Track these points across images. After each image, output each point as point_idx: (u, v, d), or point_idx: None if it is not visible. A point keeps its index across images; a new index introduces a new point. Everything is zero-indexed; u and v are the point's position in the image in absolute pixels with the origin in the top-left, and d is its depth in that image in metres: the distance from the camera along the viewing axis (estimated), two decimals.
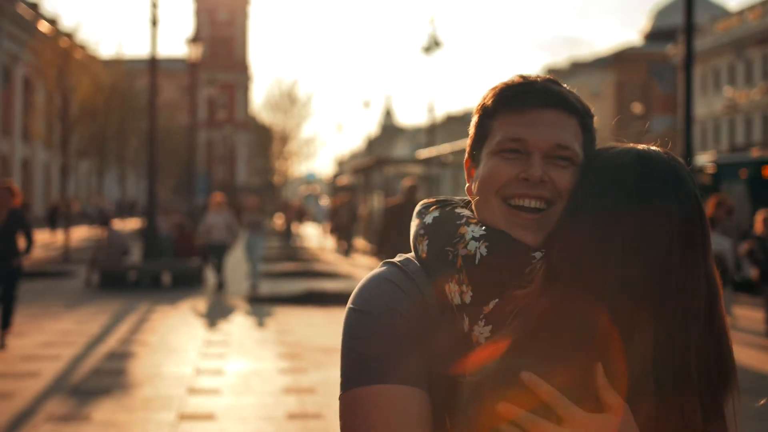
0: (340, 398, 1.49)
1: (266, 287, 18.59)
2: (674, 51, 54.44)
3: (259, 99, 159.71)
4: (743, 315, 14.35)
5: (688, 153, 17.03)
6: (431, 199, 1.67)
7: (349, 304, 1.54)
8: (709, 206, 12.87)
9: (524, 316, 1.38)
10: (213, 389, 8.85)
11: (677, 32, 59.28)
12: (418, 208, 1.66)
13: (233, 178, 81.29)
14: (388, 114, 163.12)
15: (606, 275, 1.37)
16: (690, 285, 1.38)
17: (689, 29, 17.26)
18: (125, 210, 51.69)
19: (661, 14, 76.76)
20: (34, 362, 10.07)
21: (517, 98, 1.57)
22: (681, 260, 1.38)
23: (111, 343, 11.52)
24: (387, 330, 1.47)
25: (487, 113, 1.60)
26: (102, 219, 20.60)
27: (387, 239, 13.26)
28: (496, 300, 1.43)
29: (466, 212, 1.57)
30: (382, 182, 30.16)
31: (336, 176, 62.54)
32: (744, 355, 10.87)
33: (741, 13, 52.18)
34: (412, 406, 1.43)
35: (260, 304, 15.91)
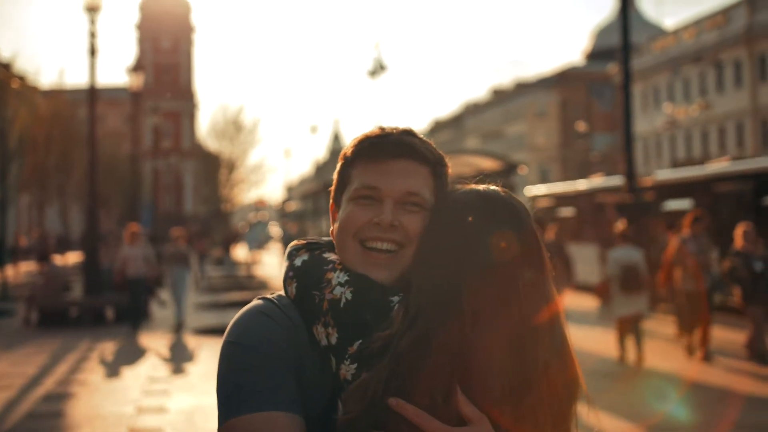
0: (218, 431, 1.57)
1: (213, 318, 18.21)
2: (615, 70, 55.31)
3: (205, 126, 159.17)
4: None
5: (630, 169, 17.19)
6: (301, 241, 1.78)
7: (224, 338, 1.63)
8: (686, 221, 12.68)
9: (391, 354, 1.51)
10: (155, 428, 8.54)
11: (616, 52, 60.43)
12: (288, 249, 1.77)
13: (181, 207, 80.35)
14: (336, 138, 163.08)
15: (460, 305, 1.51)
16: (535, 308, 1.55)
17: (626, 48, 17.49)
18: (64, 244, 50.60)
19: (602, 34, 78.19)
20: None
21: (373, 149, 1.71)
22: (525, 287, 1.55)
23: (48, 384, 11.12)
24: (261, 359, 1.56)
25: (347, 162, 1.75)
26: (41, 254, 20.04)
27: None
28: (360, 341, 1.55)
29: (332, 257, 1.69)
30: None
31: (284, 202, 62.27)
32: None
33: (676, 32, 53.35)
34: (287, 430, 1.52)
35: (206, 337, 15.55)
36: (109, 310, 18.44)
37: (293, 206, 48.13)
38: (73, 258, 42.80)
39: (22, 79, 34.97)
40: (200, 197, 75.21)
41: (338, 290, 1.60)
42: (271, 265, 41.13)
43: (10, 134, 29.82)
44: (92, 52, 20.80)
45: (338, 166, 1.78)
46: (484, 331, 1.51)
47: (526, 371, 1.52)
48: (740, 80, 47.61)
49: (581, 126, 60.60)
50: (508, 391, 1.50)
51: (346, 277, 1.62)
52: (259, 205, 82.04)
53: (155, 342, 14.98)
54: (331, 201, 1.82)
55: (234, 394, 1.54)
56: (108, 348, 14.33)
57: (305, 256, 1.70)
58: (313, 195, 35.21)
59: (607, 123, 64.42)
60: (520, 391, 1.51)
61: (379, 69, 39.20)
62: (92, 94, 20.80)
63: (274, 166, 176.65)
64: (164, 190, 78.41)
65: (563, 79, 72.61)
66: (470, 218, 1.59)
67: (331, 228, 1.77)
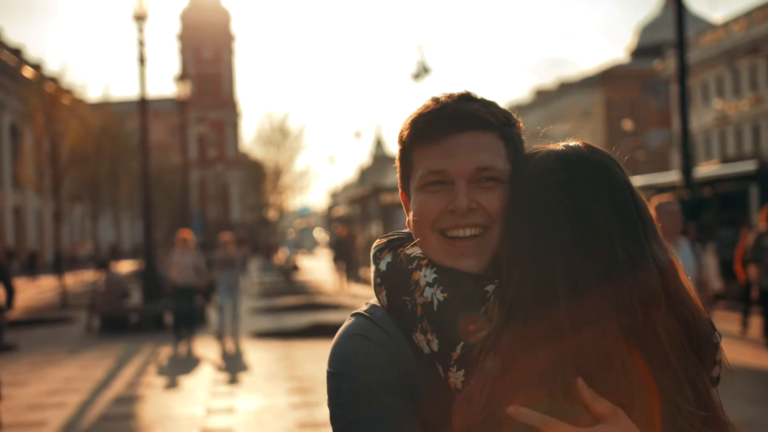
0: None
1: (270, 322, 18.30)
2: (662, 66, 54.67)
3: (249, 135, 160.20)
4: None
5: (687, 165, 16.93)
6: (382, 240, 1.63)
7: (327, 368, 1.53)
8: (763, 214, 12.09)
9: (494, 353, 1.37)
10: (226, 428, 8.57)
11: (663, 47, 59.65)
12: (372, 251, 1.62)
13: (227, 215, 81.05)
14: (379, 144, 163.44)
15: (556, 288, 1.36)
16: (639, 271, 1.38)
17: (681, 42, 17.21)
18: (117, 253, 51.28)
19: (647, 31, 77.32)
20: (39, 411, 9.78)
21: (430, 127, 1.54)
22: (624, 250, 1.38)
23: (117, 387, 11.23)
24: (365, 388, 1.45)
25: (405, 147, 1.59)
26: (99, 262, 20.30)
27: None
28: (462, 343, 1.41)
29: (417, 252, 1.54)
30: (378, 211, 29.97)
31: (331, 208, 62.49)
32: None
33: (726, 25, 52.48)
34: None
35: (266, 340, 15.62)
36: (168, 315, 18.61)
37: (341, 211, 48.19)
38: (126, 267, 43.37)
39: (70, 92, 35.49)
40: (247, 205, 75.77)
41: (428, 292, 1.46)
42: (320, 270, 41.28)
43: (61, 148, 30.26)
44: (141, 61, 21.06)
45: (397, 151, 1.62)
46: (591, 311, 1.34)
47: (648, 342, 1.35)
48: None
49: (628, 124, 59.97)
50: (634, 378, 1.33)
51: (433, 275, 1.47)
52: (303, 217, 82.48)
53: (213, 347, 15.05)
54: (399, 190, 1.65)
55: (346, 429, 1.46)
56: (170, 352, 14.44)
57: (389, 258, 1.55)
58: (361, 199, 35.22)
59: (657, 120, 63.71)
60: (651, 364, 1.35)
61: (422, 72, 39.15)
62: (143, 103, 21.08)
63: (319, 172, 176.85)
64: (211, 199, 79.12)
65: (608, 78, 71.93)
66: (552, 189, 1.43)
67: (407, 219, 1.60)
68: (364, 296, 25.30)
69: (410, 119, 1.58)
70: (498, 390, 1.34)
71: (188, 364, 13.20)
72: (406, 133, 1.58)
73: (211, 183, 76.77)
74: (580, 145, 1.49)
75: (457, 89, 1.60)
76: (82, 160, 34.26)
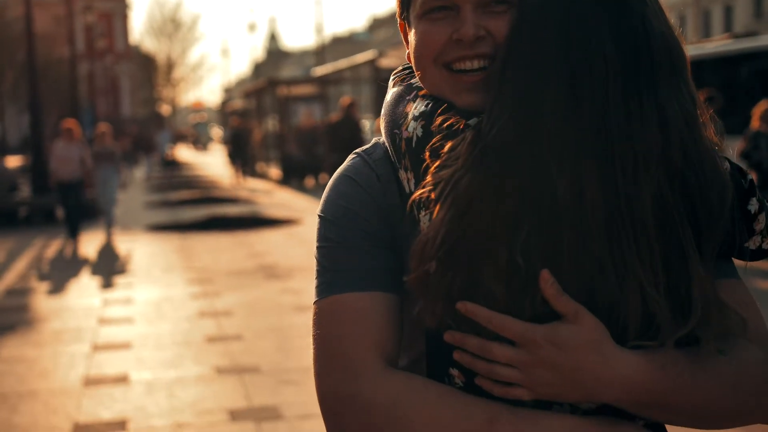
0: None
1: (167, 215, 18.10)
2: None
3: (140, 26, 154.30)
4: None
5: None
6: (400, 68, 1.49)
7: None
8: (757, 111, 10.61)
9: (452, 198, 1.21)
10: (125, 318, 8.55)
11: None
12: (390, 79, 1.48)
13: (118, 109, 78.63)
14: (273, 37, 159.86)
15: (541, 132, 1.19)
16: (636, 129, 1.18)
17: None
18: (3, 147, 49.26)
19: None
20: None
21: None
22: (622, 104, 1.18)
23: (9, 279, 11.01)
24: (339, 233, 1.36)
25: None
26: None
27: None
28: (426, 183, 1.26)
29: (419, 82, 1.40)
30: (275, 105, 29.59)
31: (225, 102, 61.31)
32: None
33: None
34: (371, 312, 1.32)
35: (163, 233, 15.47)
36: (59, 209, 18.13)
37: (236, 105, 47.36)
38: (14, 161, 41.82)
39: None
40: (139, 100, 73.64)
41: (412, 126, 1.32)
42: (216, 165, 40.76)
43: None
44: None
45: None
46: (577, 169, 1.17)
47: (626, 211, 1.18)
48: None
49: None
50: (606, 239, 1.17)
51: (422, 108, 1.33)
52: (196, 107, 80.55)
53: (111, 238, 14.82)
54: (398, 20, 1.47)
55: (320, 274, 1.38)
56: (62, 246, 14.17)
57: (396, 87, 1.43)
58: (256, 93, 34.65)
59: None
60: (624, 238, 1.18)
61: None
62: None
63: (214, 64, 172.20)
64: (101, 94, 76.35)
65: None
66: (551, 17, 1.23)
67: (407, 52, 1.44)
68: (261, 191, 25.23)
69: None
70: (450, 240, 1.20)
71: (82, 257, 12.99)
72: None
73: (101, 76, 74.00)
74: None
75: None
76: None
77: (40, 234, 15.84)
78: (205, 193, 24.24)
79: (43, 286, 10.51)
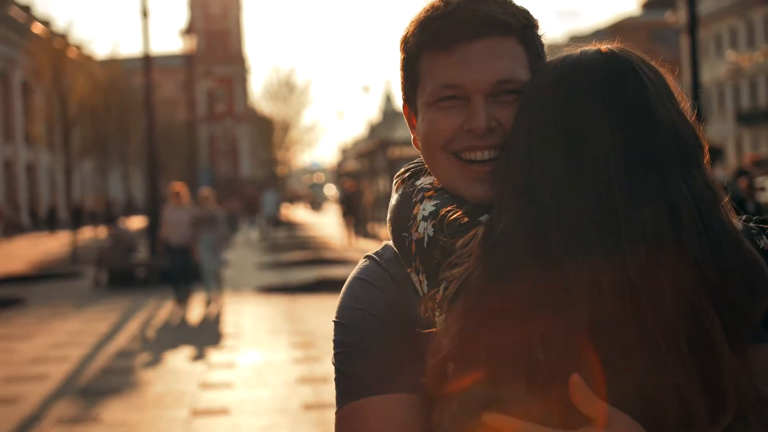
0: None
1: (277, 277, 18.35)
2: (674, 18, 53.89)
3: (258, 90, 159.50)
4: None
5: (698, 118, 16.68)
6: (402, 170, 1.46)
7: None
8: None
9: (464, 296, 1.17)
10: (226, 383, 8.62)
11: None
12: (394, 182, 1.46)
13: (237, 171, 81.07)
14: (388, 99, 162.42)
15: (545, 224, 1.14)
16: (644, 216, 1.11)
17: None
18: (129, 209, 51.50)
19: None
20: (42, 364, 9.85)
21: (441, 34, 1.32)
22: (627, 191, 1.12)
23: (120, 341, 11.31)
24: (358, 338, 1.33)
25: (411, 55, 1.38)
26: (108, 218, 20.35)
27: None
28: (444, 284, 1.23)
29: (426, 182, 1.37)
30: (386, 165, 29.85)
31: (340, 163, 62.39)
32: None
33: None
34: (392, 417, 1.29)
35: (271, 295, 15.67)
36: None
37: (350, 166, 48.08)
38: (137, 222, 43.52)
39: (78, 48, 35.34)
40: (257, 161, 75.72)
41: (422, 227, 1.29)
42: (329, 225, 41.32)
43: (69, 102, 30.24)
44: (144, 13, 20.92)
45: (400, 58, 1.41)
46: (587, 261, 1.11)
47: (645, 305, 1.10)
48: None
49: None
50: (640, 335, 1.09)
51: (432, 208, 1.30)
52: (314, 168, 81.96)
53: (221, 300, 15.09)
54: (402, 102, 1.45)
55: (340, 381, 1.35)
56: (173, 308, 14.50)
57: (400, 191, 1.39)
58: (369, 154, 35.07)
59: (671, 71, 63.03)
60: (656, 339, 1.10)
61: None
62: (146, 55, 20.96)
63: (327, 127, 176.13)
64: (221, 155, 79.16)
65: (619, 30, 71.03)
66: (551, 105, 1.20)
67: (412, 137, 1.43)
68: (371, 251, 25.14)
69: (416, 23, 1.37)
70: (466, 340, 1.16)
71: (190, 320, 13.25)
72: (412, 38, 1.37)
73: (221, 139, 76.70)
74: (602, 49, 1.24)
75: None
76: (90, 115, 34.28)
77: (155, 295, 16.29)
78: (316, 254, 24.51)
79: (150, 349, 10.74)
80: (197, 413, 7.45)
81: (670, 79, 1.24)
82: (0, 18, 48.76)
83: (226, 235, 16.60)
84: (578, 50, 1.26)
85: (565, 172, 1.15)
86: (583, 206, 1.13)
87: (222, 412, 7.48)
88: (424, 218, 1.29)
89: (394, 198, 1.40)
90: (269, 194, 38.47)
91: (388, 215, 1.39)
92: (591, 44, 1.28)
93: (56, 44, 31.49)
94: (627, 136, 1.15)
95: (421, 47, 1.35)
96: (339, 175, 52.69)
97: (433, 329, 1.25)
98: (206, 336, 11.52)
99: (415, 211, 1.32)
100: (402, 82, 1.43)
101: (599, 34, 73.24)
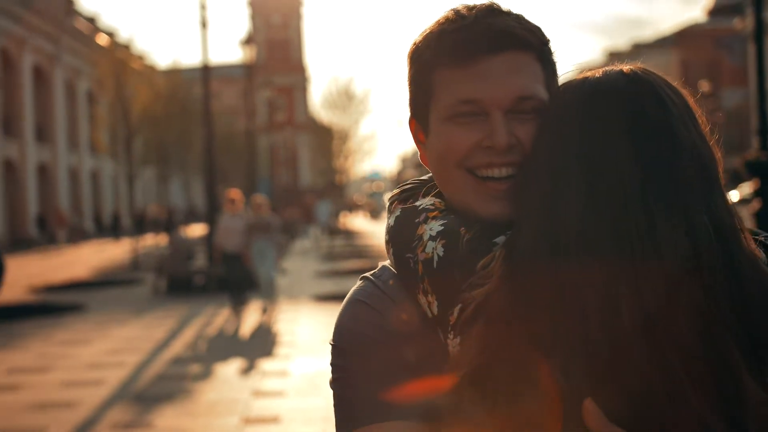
0: None
1: (333, 285, 18.36)
2: (741, 25, 52.83)
3: (318, 99, 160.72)
4: None
5: (764, 126, 16.27)
6: (396, 191, 1.42)
7: None
8: None
9: (486, 318, 1.15)
10: (278, 391, 8.58)
11: (743, 5, 57.66)
12: (387, 204, 1.43)
13: (297, 180, 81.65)
14: None
15: (566, 244, 1.12)
16: (661, 238, 1.09)
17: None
18: (191, 216, 52.23)
19: None
20: (98, 370, 9.95)
21: (458, 48, 1.28)
22: (642, 212, 1.10)
23: (176, 348, 11.38)
24: (357, 365, 1.28)
25: (424, 68, 1.33)
26: (168, 226, 20.60)
27: None
28: (460, 306, 1.20)
29: (427, 203, 1.33)
30: None
31: (400, 172, 62.40)
32: None
33: None
34: None
35: (328, 303, 15.66)
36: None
37: (409, 175, 48.11)
38: (200, 230, 44.12)
39: (141, 59, 35.98)
40: (316, 170, 76.19)
41: (430, 246, 1.25)
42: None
43: (131, 111, 30.82)
44: (203, 24, 21.15)
45: (409, 69, 1.36)
46: (606, 285, 1.09)
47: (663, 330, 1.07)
48: None
49: (704, 86, 58.32)
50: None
51: (439, 227, 1.26)
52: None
53: (278, 308, 15.13)
54: (409, 116, 1.40)
55: (338, 408, 1.30)
56: (230, 315, 14.57)
57: (398, 211, 1.34)
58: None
59: (734, 79, 61.81)
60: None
61: None
62: (205, 64, 21.17)
63: (385, 136, 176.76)
64: (281, 164, 79.77)
65: (684, 38, 69.95)
66: (571, 129, 1.18)
67: (419, 153, 1.39)
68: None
69: (429, 35, 1.33)
70: (485, 365, 1.13)
71: (246, 327, 13.30)
72: (425, 52, 1.33)
73: (281, 148, 77.32)
74: (625, 70, 1.21)
75: None
76: (151, 124, 34.88)
77: (212, 302, 16.40)
78: (373, 263, 24.45)
79: (205, 356, 10.79)
80: (249, 421, 7.42)
81: (692, 102, 1.21)
82: (66, 29, 49.93)
83: (282, 242, 16.66)
84: (601, 71, 1.23)
85: (585, 194, 1.14)
86: (602, 230, 1.11)
87: (273, 420, 7.44)
88: (432, 238, 1.26)
89: (392, 219, 1.35)
90: (323, 204, 38.57)
91: (387, 236, 1.34)
92: (613, 65, 1.24)
93: (119, 55, 32.13)
94: (648, 160, 1.13)
95: (436, 61, 1.31)
96: (398, 183, 52.65)
97: (435, 352, 1.22)
98: (260, 344, 11.53)
99: (419, 231, 1.28)
100: (411, 97, 1.38)
101: (664, 42, 72.17)
